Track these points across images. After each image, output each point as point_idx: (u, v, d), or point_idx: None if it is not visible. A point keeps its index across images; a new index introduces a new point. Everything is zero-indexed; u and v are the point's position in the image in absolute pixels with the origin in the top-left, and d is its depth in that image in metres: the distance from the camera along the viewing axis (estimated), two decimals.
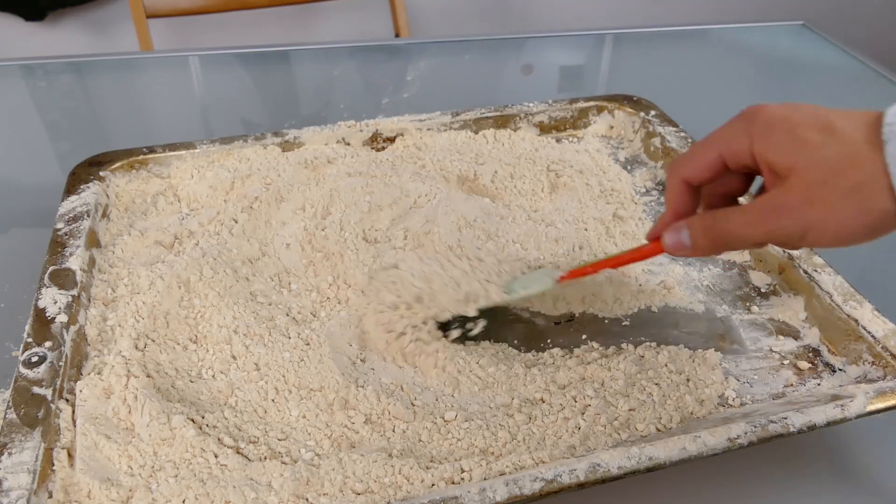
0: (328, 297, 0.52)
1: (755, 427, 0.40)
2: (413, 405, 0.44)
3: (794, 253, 0.53)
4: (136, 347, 0.46)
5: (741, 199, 0.41)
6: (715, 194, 0.41)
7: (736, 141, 0.37)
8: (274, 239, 0.57)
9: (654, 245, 0.42)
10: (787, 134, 0.35)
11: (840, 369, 0.48)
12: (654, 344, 0.50)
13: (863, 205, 0.33)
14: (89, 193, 0.58)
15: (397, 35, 1.42)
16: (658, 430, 0.43)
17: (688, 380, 0.46)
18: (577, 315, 0.53)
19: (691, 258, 0.58)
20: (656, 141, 0.69)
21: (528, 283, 0.48)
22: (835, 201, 0.33)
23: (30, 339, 0.45)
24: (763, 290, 0.55)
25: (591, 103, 0.74)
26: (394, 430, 0.43)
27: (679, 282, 0.56)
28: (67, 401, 0.43)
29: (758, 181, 0.40)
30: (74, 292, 0.48)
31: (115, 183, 0.62)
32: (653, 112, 0.72)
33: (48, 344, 0.44)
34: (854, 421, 0.42)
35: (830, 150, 0.34)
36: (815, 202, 0.34)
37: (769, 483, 0.45)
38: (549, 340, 0.51)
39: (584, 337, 0.51)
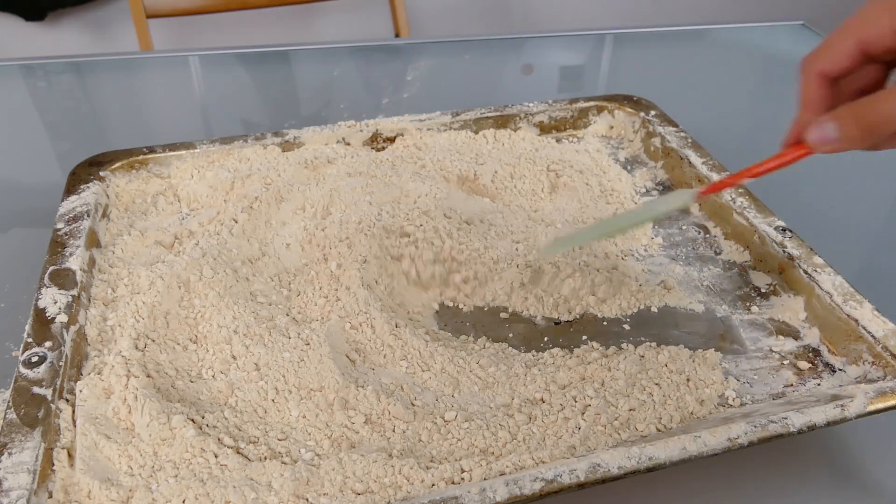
0: (328, 297, 0.52)
1: (755, 427, 0.40)
2: (413, 405, 0.44)
3: (794, 253, 0.53)
4: (136, 347, 0.46)
5: None
6: (848, 91, 0.38)
7: (874, 22, 0.34)
8: (274, 239, 0.57)
9: (796, 147, 0.39)
10: None
11: (840, 369, 0.48)
12: (654, 344, 0.50)
13: None
14: (89, 193, 0.58)
15: (397, 35, 1.42)
16: (658, 430, 0.43)
17: (688, 380, 0.46)
18: (577, 315, 0.53)
19: (693, 260, 0.58)
20: (656, 141, 0.69)
21: (662, 203, 0.52)
22: None
23: (30, 339, 0.45)
24: (763, 290, 0.55)
25: (591, 103, 0.74)
26: (394, 430, 0.43)
27: (679, 282, 0.56)
28: (67, 401, 0.43)
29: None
30: (74, 292, 0.48)
31: (115, 183, 0.62)
32: (653, 112, 0.72)
33: (48, 344, 0.44)
34: (854, 421, 0.42)
35: None
36: None
37: (769, 483, 0.45)
38: (548, 340, 0.51)
39: (584, 337, 0.51)
